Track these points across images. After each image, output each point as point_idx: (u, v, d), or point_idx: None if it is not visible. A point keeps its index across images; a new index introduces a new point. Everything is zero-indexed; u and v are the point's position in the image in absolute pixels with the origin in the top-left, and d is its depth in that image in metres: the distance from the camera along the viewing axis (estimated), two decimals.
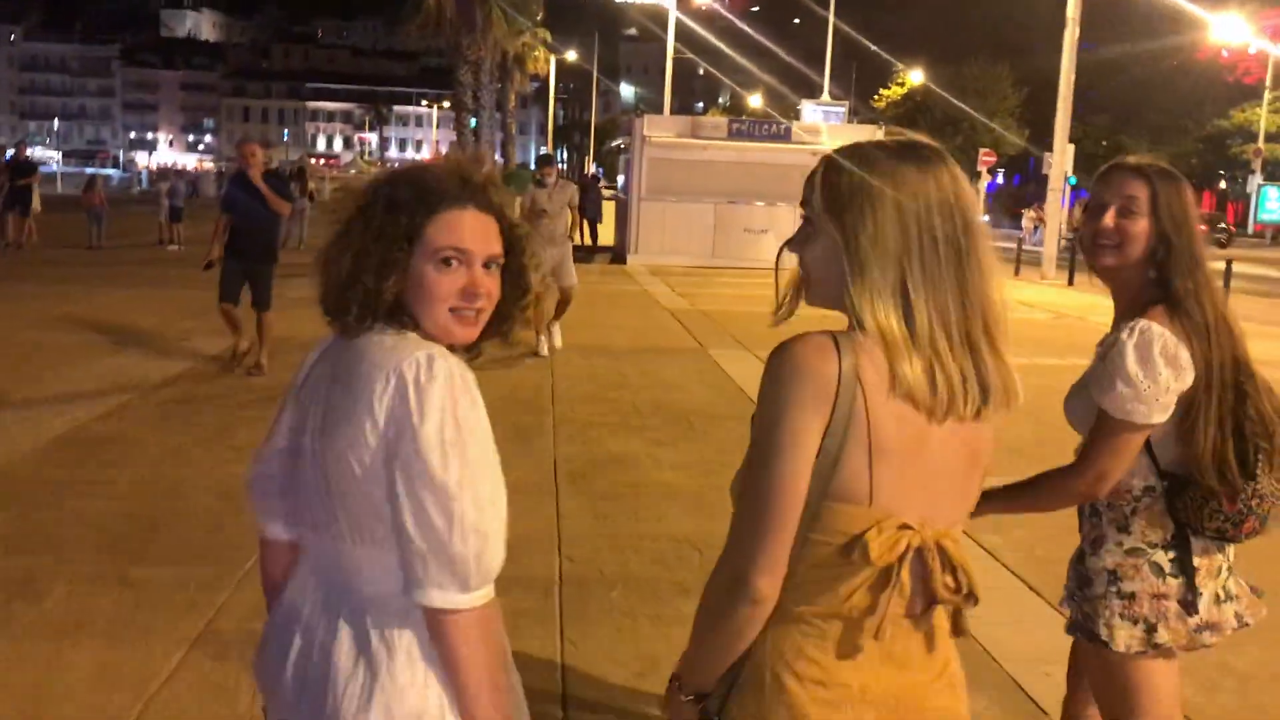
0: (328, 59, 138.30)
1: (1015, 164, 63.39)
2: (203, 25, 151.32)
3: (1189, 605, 2.19)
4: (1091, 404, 2.19)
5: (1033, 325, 13.99)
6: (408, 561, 1.49)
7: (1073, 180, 43.39)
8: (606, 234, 25.77)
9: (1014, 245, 27.04)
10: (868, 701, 1.47)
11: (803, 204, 1.56)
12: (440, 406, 1.49)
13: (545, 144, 74.86)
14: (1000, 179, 54.33)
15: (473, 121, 33.88)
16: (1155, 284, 2.20)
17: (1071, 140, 28.29)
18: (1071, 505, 2.32)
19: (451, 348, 1.62)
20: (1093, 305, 16.93)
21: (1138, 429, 2.15)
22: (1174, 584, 2.20)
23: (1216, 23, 42.28)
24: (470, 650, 1.51)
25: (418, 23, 32.21)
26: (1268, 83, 46.41)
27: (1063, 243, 22.88)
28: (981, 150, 45.63)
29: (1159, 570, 2.21)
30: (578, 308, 13.99)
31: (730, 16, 72.55)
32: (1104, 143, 56.90)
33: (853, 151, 1.51)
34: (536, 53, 44.16)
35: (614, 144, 29.23)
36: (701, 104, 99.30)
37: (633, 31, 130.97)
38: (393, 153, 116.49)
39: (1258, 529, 2.20)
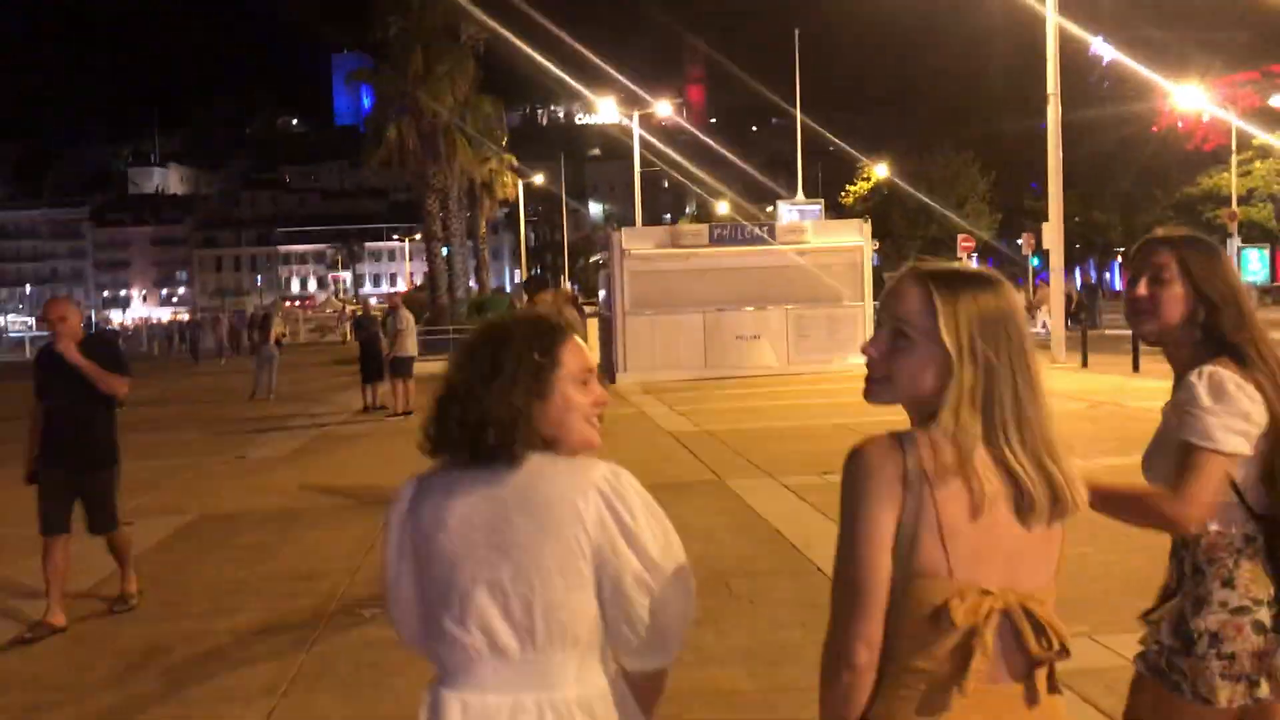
0: (297, 202, 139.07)
1: (988, 248, 63.15)
2: (170, 180, 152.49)
3: None
4: (1172, 459, 2.22)
5: (1075, 418, 12.75)
6: (641, 640, 1.81)
7: (1035, 261, 42.90)
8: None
9: None
10: None
11: (897, 316, 1.71)
12: (644, 510, 1.80)
13: (519, 267, 74.53)
14: (975, 263, 54.09)
15: (444, 250, 32.97)
16: (1206, 343, 2.27)
17: (1047, 219, 27.61)
18: (1156, 527, 2.28)
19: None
20: (1119, 387, 15.79)
21: (1222, 455, 2.18)
22: (1275, 639, 2.19)
23: (1175, 92, 42.44)
24: (661, 693, 1.96)
25: (380, 157, 31.43)
26: (1234, 148, 46.43)
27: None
28: (960, 236, 45.25)
29: (1261, 628, 2.21)
30: None
31: (691, 129, 73.26)
32: (1076, 219, 56.76)
33: (946, 275, 1.70)
34: (504, 178, 43.79)
35: (593, 259, 28.35)
36: (670, 215, 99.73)
37: (596, 152, 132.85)
38: (367, 288, 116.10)
39: None
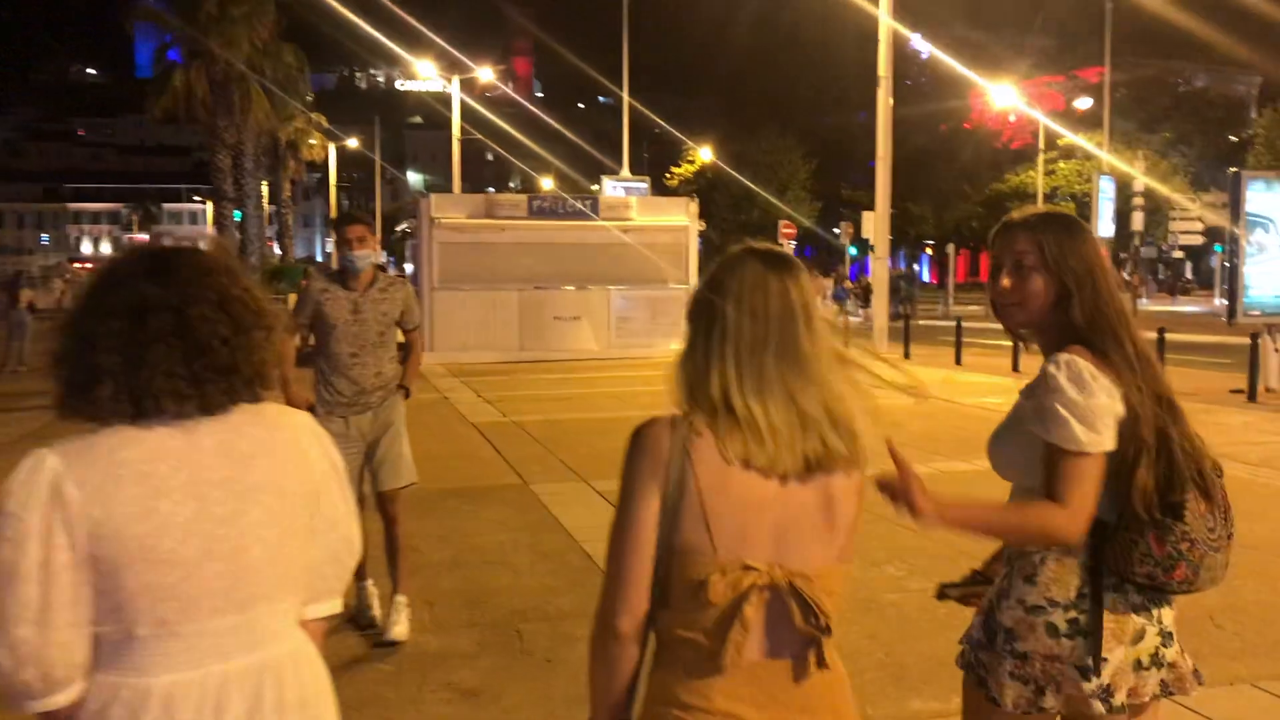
0: (90, 157, 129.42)
1: (809, 235, 63.93)
2: None
3: (1085, 670, 2.08)
4: (1026, 445, 2.13)
5: (907, 415, 12.04)
6: (335, 584, 1.79)
7: (853, 250, 43.44)
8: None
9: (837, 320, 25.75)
10: None
11: None
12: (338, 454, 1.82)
13: (329, 237, 70.95)
14: (792, 250, 54.32)
15: (237, 214, 30.18)
16: (1072, 328, 2.16)
17: (865, 209, 27.51)
18: (1046, 543, 2.12)
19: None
20: (946, 381, 15.32)
21: (1096, 458, 2.07)
22: (1068, 645, 2.10)
23: (990, 91, 43.58)
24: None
25: (163, 105, 28.29)
26: (1041, 146, 48.11)
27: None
28: (781, 222, 45.41)
29: (1054, 631, 2.11)
30: None
31: (518, 98, 71.49)
32: (892, 210, 57.89)
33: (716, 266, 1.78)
34: (311, 138, 41.13)
35: (400, 228, 26.37)
36: (493, 189, 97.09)
37: (418, 119, 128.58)
38: None
39: (1191, 579, 2.08)
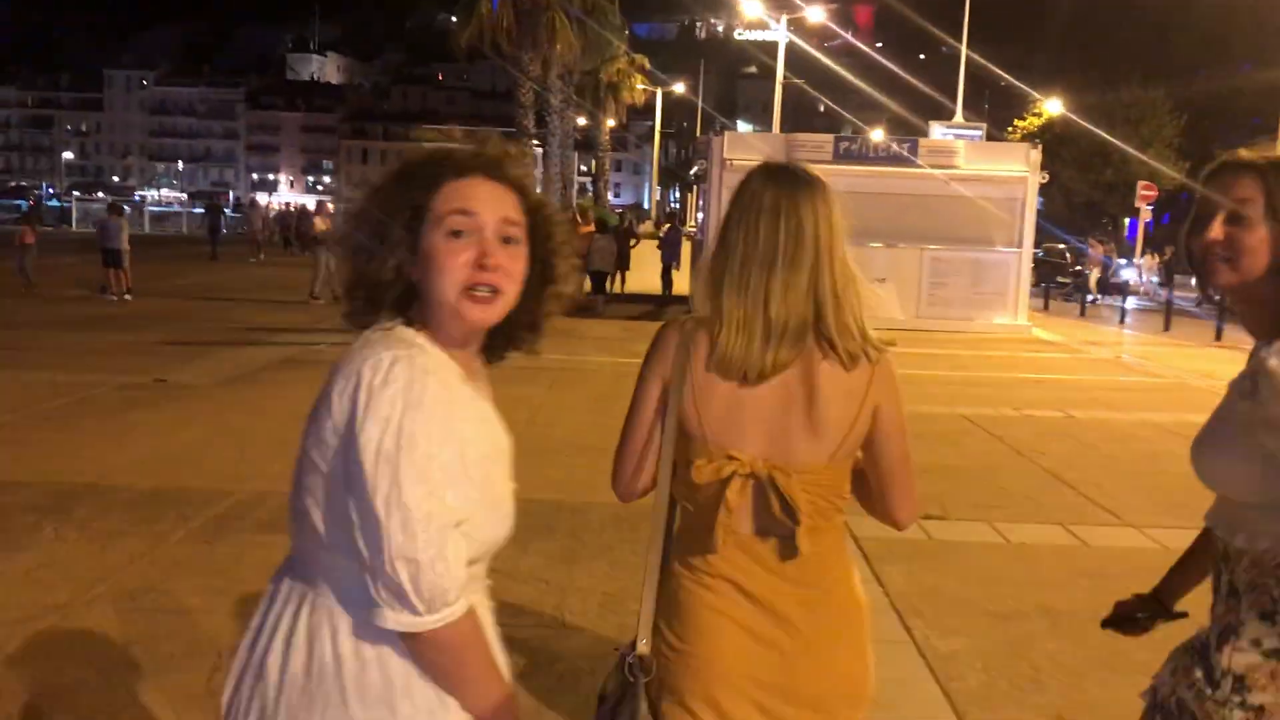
0: (446, 101, 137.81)
1: (1171, 200, 56.64)
2: (327, 69, 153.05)
3: None
4: (1251, 458, 1.74)
5: None
6: (369, 573, 1.43)
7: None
8: (684, 282, 21.36)
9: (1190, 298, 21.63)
10: (741, 592, 1.84)
11: None
12: (385, 415, 1.40)
13: (657, 184, 71.01)
14: (1151, 213, 47.66)
15: (539, 152, 29.58)
16: None
17: None
18: None
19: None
20: None
21: None
22: None
23: None
24: (449, 666, 1.45)
25: (467, 35, 27.87)
26: None
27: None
28: (1140, 183, 39.95)
29: None
30: (565, 428, 9.32)
31: (858, 45, 68.17)
32: None
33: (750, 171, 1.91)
34: (633, 80, 40.28)
35: (692, 171, 24.63)
36: None
37: (752, 70, 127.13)
38: None
39: None
